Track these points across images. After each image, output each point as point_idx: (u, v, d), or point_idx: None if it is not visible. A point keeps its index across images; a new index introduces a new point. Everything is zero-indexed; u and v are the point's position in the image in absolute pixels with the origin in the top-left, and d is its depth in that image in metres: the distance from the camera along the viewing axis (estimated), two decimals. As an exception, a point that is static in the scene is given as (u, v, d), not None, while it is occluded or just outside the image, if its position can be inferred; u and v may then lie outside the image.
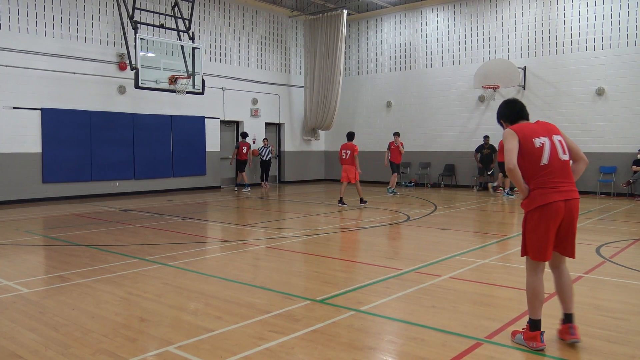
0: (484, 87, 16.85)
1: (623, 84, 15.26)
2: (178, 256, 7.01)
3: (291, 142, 21.14)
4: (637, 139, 15.03)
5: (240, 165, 17.60)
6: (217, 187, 18.20)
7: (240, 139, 18.07)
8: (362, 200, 12.99)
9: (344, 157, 12.97)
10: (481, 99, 17.93)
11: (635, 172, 14.78)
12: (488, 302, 4.97)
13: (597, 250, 7.34)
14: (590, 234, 9.10)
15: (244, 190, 17.26)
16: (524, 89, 17.02)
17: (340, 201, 12.90)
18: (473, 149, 17.81)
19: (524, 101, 16.99)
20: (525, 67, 16.95)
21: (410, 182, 19.41)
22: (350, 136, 13.38)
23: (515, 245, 7.76)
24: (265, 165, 18.80)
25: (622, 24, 15.27)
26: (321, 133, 21.90)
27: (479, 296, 5.22)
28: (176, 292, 5.28)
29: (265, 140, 18.75)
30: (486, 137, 17.25)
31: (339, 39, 19.62)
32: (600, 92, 15.62)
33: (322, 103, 20.34)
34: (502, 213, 12.49)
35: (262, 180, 19.02)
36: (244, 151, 17.59)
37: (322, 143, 22.26)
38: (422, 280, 5.71)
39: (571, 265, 6.41)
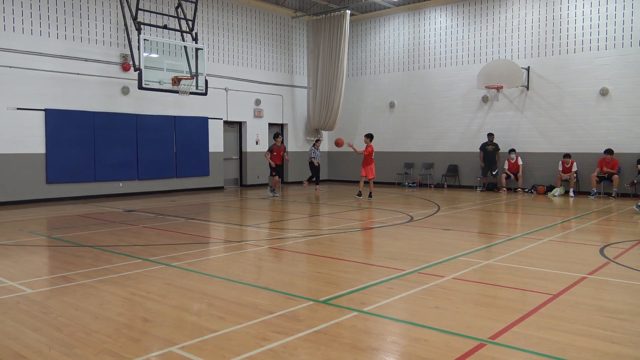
0: (487, 87, 16.81)
1: (627, 84, 15.21)
2: (181, 257, 7.02)
3: (294, 143, 21.15)
4: (639, 140, 15.01)
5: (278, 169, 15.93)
6: (221, 188, 18.22)
7: (275, 140, 15.76)
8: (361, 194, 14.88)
9: (372, 156, 14.71)
10: (484, 99, 17.90)
11: (639, 173, 14.71)
12: (491, 303, 4.96)
13: (601, 251, 7.32)
14: (593, 235, 9.08)
15: (275, 195, 15.66)
16: (528, 89, 16.98)
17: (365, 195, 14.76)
18: (476, 149, 17.79)
19: (527, 102, 17.10)
20: (529, 67, 16.91)
21: (413, 183, 19.39)
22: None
23: (519, 245, 7.75)
24: (318, 168, 17.36)
25: (627, 24, 15.23)
26: (324, 134, 21.91)
27: (482, 297, 5.21)
28: (179, 293, 5.28)
29: (318, 142, 17.61)
30: (490, 135, 17.25)
31: (342, 40, 19.63)
32: (604, 93, 15.57)
33: (325, 103, 20.35)
34: (506, 214, 12.46)
35: (316, 184, 17.52)
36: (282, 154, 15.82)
37: (324, 144, 22.25)
38: (425, 280, 5.71)
39: (574, 266, 6.41)
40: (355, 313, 4.58)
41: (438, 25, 19.11)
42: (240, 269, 6.41)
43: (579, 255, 7.22)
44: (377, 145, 20.69)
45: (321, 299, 4.99)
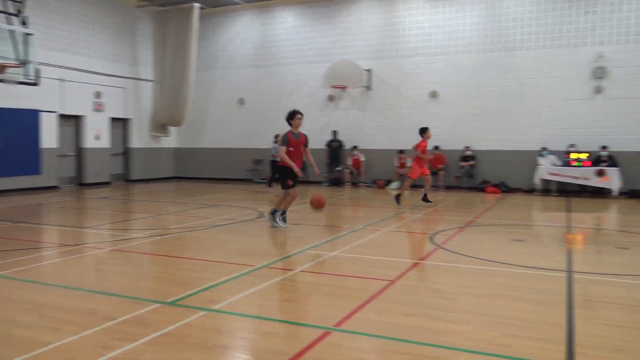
0: (332, 87, 17.61)
1: (453, 88, 16.94)
2: (8, 265, 6.30)
3: (139, 139, 20.10)
4: (462, 139, 16.80)
5: None
6: (55, 187, 16.68)
7: (289, 122, 9.34)
8: (425, 198, 12.55)
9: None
10: (330, 98, 18.69)
11: (461, 168, 16.54)
12: (337, 293, 5.22)
13: (431, 238, 8.08)
14: (424, 224, 9.98)
15: (284, 226, 9.07)
16: (369, 89, 18.09)
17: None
18: (323, 146, 18.50)
19: (369, 102, 17.88)
20: (370, 69, 18.01)
21: (262, 179, 19.58)
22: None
23: (361, 236, 8.23)
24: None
25: (453, 33, 16.94)
26: (172, 129, 21.14)
27: (328, 287, 5.46)
28: (6, 305, 4.76)
29: (278, 136, 15.58)
30: (335, 132, 18.10)
31: (191, 33, 19.08)
32: (433, 95, 17.18)
33: (173, 98, 19.64)
34: (350, 207, 13.16)
35: (269, 185, 15.91)
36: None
37: (173, 140, 21.50)
38: (274, 275, 5.82)
39: (409, 254, 6.99)
40: (204, 312, 4.52)
41: (287, 24, 19.49)
42: (78, 274, 5.96)
43: (413, 243, 7.89)
44: (227, 142, 20.63)
45: (168, 301, 4.84)
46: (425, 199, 12.49)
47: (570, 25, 15.63)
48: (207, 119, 21.00)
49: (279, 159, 13.55)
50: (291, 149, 8.90)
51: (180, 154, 21.64)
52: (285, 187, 8.93)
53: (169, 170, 21.53)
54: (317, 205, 9.16)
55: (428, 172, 12.52)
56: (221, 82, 20.73)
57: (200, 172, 21.05)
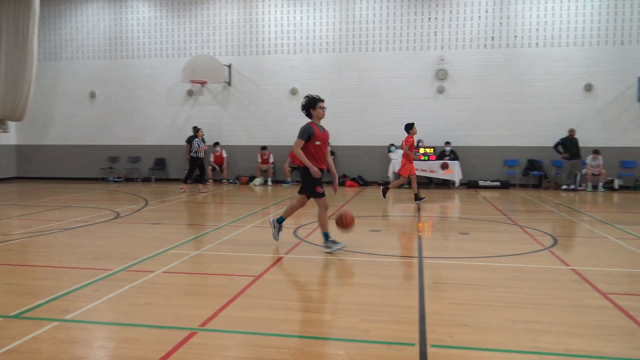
0: (192, 81, 17.18)
1: (312, 86, 17.38)
2: None
3: (-30, 135, 17.89)
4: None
5: None
6: None
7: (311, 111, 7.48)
8: (417, 197, 12.01)
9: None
10: (190, 93, 18.22)
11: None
12: (200, 292, 5.14)
13: (294, 233, 8.28)
14: (289, 219, 10.17)
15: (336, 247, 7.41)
16: (230, 85, 17.95)
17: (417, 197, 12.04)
18: (183, 143, 17.99)
19: (229, 97, 17.86)
20: (230, 64, 17.87)
21: (119, 177, 18.54)
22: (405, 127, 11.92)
23: (225, 233, 8.17)
24: (202, 163, 15.14)
25: (310, 32, 17.44)
26: (11, 124, 19.07)
27: (192, 287, 5.35)
28: None
29: (200, 131, 15.00)
30: (195, 128, 17.69)
31: (31, 19, 17.30)
32: (293, 92, 17.55)
33: (11, 90, 17.67)
34: (213, 204, 12.99)
35: (184, 182, 15.19)
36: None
37: (12, 136, 19.44)
38: (134, 278, 5.56)
39: (273, 248, 7.09)
40: (55, 323, 4.18)
41: (141, 15, 18.59)
42: None
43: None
44: (77, 138, 19.23)
45: (12, 314, 4.40)
46: (417, 198, 11.97)
47: (416, 29, 16.93)
48: (54, 114, 19.32)
49: (200, 155, 14.39)
50: (318, 143, 6.84)
51: (22, 152, 19.66)
52: (316, 195, 6.99)
53: (9, 170, 19.45)
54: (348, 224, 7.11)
55: (414, 170, 12.17)
56: (68, 74, 19.19)
57: (48, 172, 19.35)
